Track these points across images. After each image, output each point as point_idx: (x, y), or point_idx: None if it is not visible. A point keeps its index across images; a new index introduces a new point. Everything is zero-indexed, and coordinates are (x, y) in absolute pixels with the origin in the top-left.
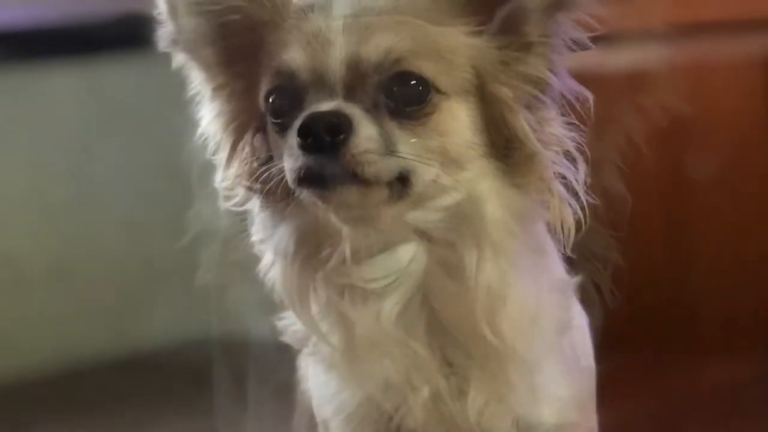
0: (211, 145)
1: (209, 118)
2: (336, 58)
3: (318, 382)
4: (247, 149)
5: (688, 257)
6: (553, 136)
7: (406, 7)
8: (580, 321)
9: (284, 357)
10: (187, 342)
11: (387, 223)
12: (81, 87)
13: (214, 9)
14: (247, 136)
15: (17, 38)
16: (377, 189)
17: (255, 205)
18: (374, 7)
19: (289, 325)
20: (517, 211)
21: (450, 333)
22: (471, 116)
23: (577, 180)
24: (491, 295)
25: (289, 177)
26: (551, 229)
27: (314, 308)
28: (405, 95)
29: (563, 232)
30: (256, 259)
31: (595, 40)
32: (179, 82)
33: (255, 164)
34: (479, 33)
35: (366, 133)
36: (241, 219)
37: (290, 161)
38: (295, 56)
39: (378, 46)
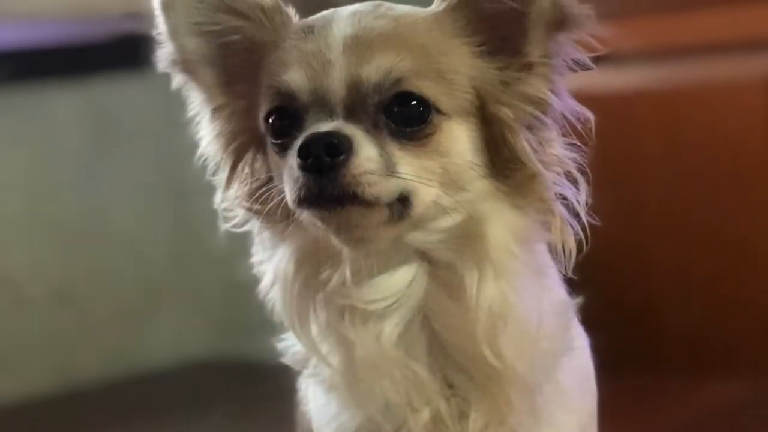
0: (211, 166)
1: (209, 138)
2: (336, 79)
3: (318, 403)
4: (246, 170)
5: (689, 278)
6: (554, 156)
7: (406, 27)
8: (581, 342)
9: (284, 378)
10: (188, 362)
11: (387, 244)
12: (81, 107)
13: (214, 29)
14: (247, 157)
15: (18, 58)
16: (377, 210)
17: (255, 226)
18: (374, 28)
19: (289, 346)
20: (518, 232)
21: (450, 354)
22: (472, 137)
23: (578, 201)
24: (492, 316)
25: (289, 198)
26: (552, 250)
27: (314, 329)
28: (406, 116)
29: (564, 254)
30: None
31: (596, 60)
32: (179, 102)
33: (255, 185)
34: (480, 53)
35: (366, 153)
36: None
37: (290, 182)
38: (295, 77)
39: (378, 66)
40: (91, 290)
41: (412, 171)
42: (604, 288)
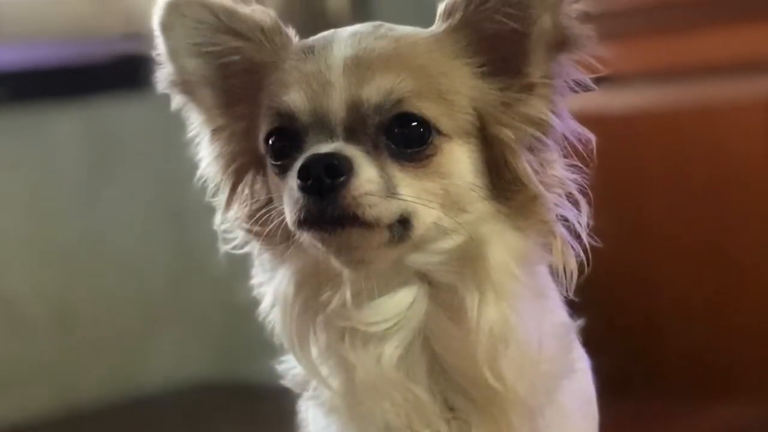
0: (211, 187)
1: (208, 159)
2: (336, 100)
3: (318, 426)
4: (246, 191)
5: (691, 300)
6: (555, 178)
7: (406, 48)
8: (582, 365)
9: (285, 400)
10: (188, 385)
11: (388, 265)
12: (81, 128)
13: (213, 50)
14: (247, 178)
15: (17, 79)
16: (378, 231)
17: (254, 247)
18: (375, 48)
19: (289, 368)
20: (519, 254)
21: (451, 376)
22: (473, 158)
23: (579, 222)
24: (493, 338)
25: (289, 219)
26: (553, 272)
27: (314, 351)
28: (406, 137)
29: (566, 276)
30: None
31: (598, 81)
32: (179, 123)
33: (255, 206)
34: (481, 74)
35: (367, 174)
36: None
37: (290, 203)
38: (295, 98)
39: (379, 87)
40: (90, 313)
41: (412, 192)
42: (605, 309)
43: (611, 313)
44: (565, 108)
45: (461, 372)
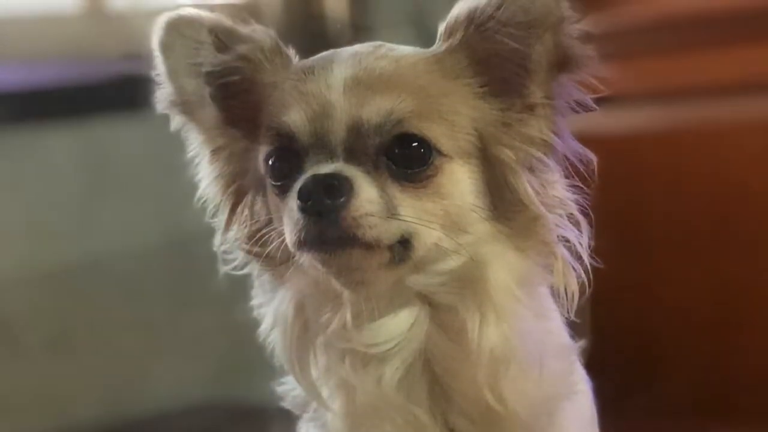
0: (210, 208)
1: (208, 180)
2: (337, 120)
3: None
4: (246, 212)
5: (693, 320)
6: (556, 198)
7: (407, 68)
8: (583, 386)
9: (285, 421)
10: (189, 407)
11: (388, 287)
12: (78, 149)
13: (213, 70)
14: (247, 199)
15: (14, 99)
16: (378, 252)
17: (254, 268)
18: (375, 69)
19: (289, 390)
20: (520, 275)
21: (452, 398)
22: (473, 179)
23: (581, 243)
24: (494, 359)
25: (290, 240)
26: (555, 294)
27: (314, 373)
28: (407, 157)
29: (567, 297)
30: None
31: (600, 101)
32: (178, 144)
33: (254, 227)
34: (482, 94)
35: (367, 195)
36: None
37: (290, 224)
38: (295, 118)
39: (379, 107)
40: (88, 335)
41: (413, 213)
42: (606, 329)
43: (613, 332)
44: (566, 128)
45: (462, 393)
